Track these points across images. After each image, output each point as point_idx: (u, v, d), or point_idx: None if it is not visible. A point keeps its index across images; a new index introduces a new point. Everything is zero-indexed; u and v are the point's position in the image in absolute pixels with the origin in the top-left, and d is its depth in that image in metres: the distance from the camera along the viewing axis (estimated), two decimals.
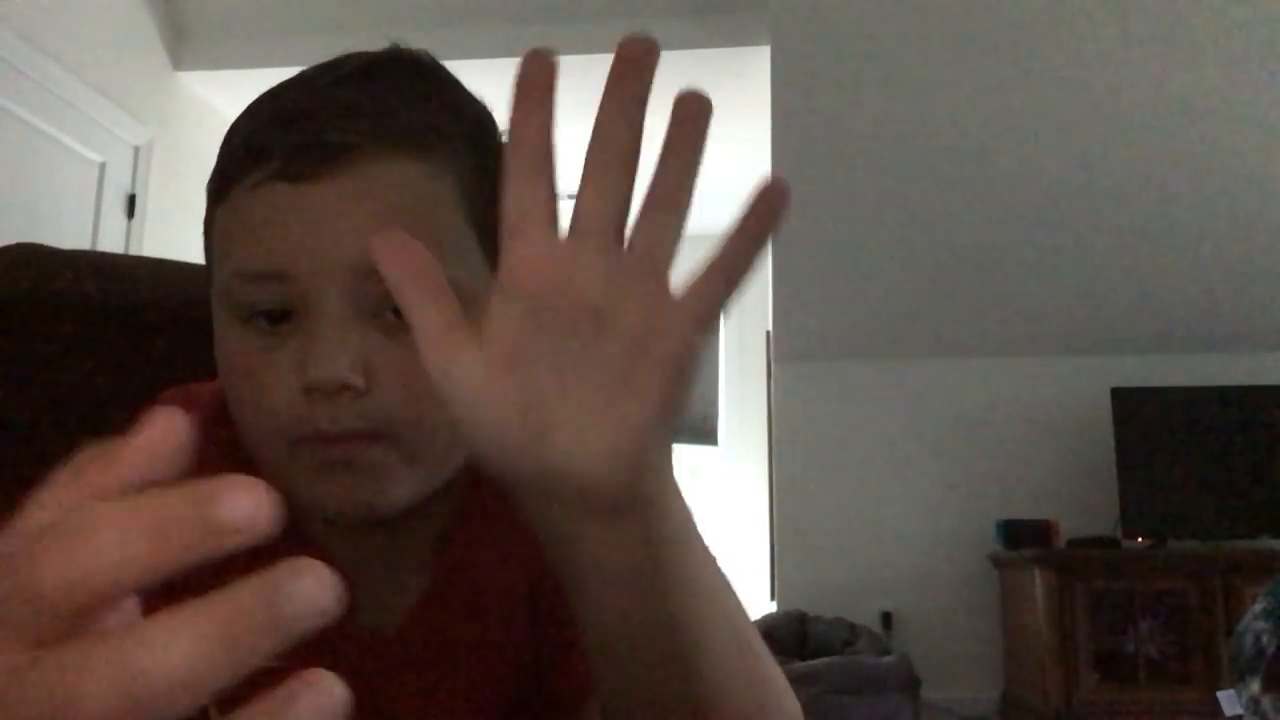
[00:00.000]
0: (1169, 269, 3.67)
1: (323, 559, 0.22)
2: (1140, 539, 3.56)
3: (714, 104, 0.38)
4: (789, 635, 3.51)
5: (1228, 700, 1.78)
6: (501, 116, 0.53)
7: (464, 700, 0.60)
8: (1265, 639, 1.51)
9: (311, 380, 0.50)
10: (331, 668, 0.22)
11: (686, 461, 5.51)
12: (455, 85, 0.58)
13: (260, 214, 0.52)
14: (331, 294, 0.50)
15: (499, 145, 0.56)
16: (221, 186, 0.54)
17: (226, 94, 4.02)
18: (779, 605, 3.88)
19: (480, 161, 0.55)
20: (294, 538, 0.59)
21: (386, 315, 0.51)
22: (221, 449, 0.55)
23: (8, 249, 0.82)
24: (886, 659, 3.23)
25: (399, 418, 0.51)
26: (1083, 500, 3.76)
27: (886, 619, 3.78)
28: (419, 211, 0.52)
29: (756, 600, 4.52)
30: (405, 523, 0.57)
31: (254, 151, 0.52)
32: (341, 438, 0.51)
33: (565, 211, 0.38)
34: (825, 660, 3.18)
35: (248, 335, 0.52)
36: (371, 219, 0.50)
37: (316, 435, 0.51)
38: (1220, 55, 3.09)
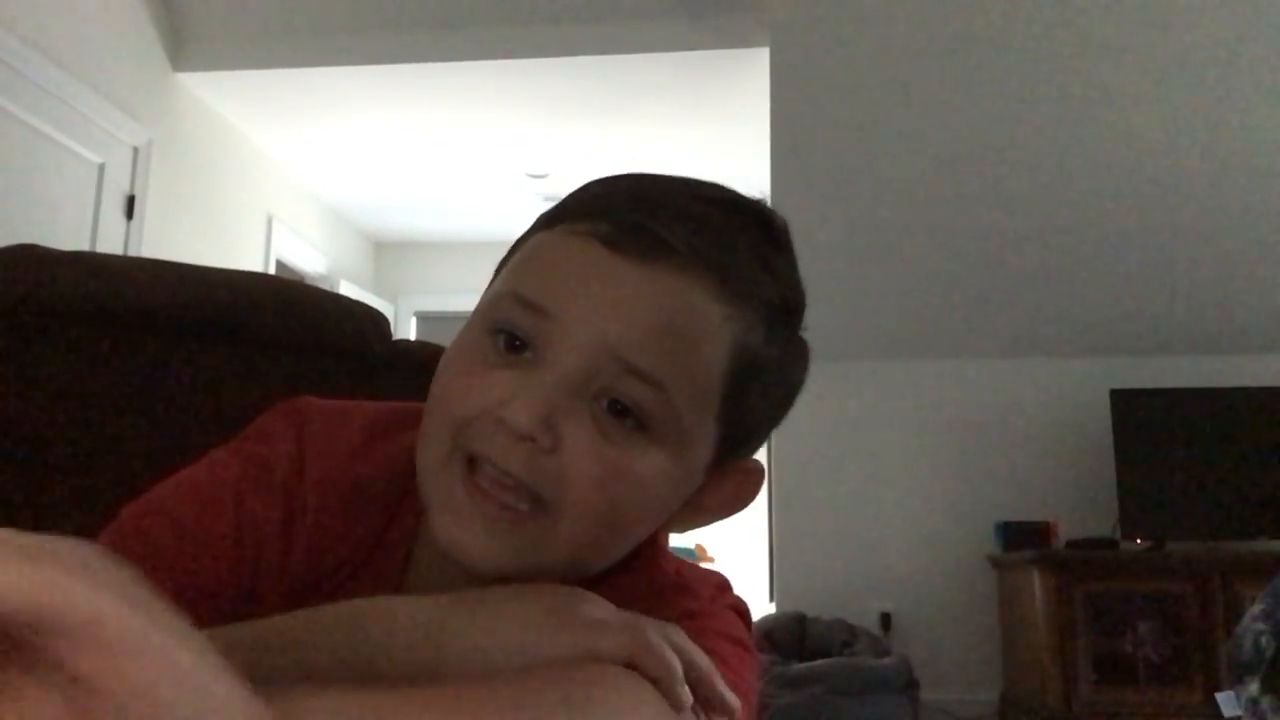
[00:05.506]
0: (1169, 271, 3.67)
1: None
2: (1139, 540, 3.56)
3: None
4: (788, 636, 3.51)
5: (1226, 702, 1.78)
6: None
7: None
8: (1264, 640, 1.52)
9: (507, 417, 0.51)
10: None
11: None
12: (792, 264, 0.61)
13: (563, 255, 0.54)
14: (574, 355, 0.51)
15: (792, 333, 0.60)
16: (552, 220, 0.57)
17: (225, 95, 4.02)
18: (778, 606, 3.88)
19: (766, 339, 0.57)
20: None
21: (603, 403, 0.52)
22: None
23: (7, 250, 0.81)
24: (885, 660, 3.23)
25: (562, 493, 0.51)
26: (1081, 501, 3.76)
27: (885, 620, 3.78)
28: (693, 341, 0.53)
29: (756, 601, 4.52)
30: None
31: (596, 207, 0.55)
32: (500, 480, 0.51)
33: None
34: (824, 661, 3.17)
35: (484, 341, 0.54)
36: (651, 319, 0.52)
37: (480, 457, 0.52)
38: (1221, 59, 3.09)
